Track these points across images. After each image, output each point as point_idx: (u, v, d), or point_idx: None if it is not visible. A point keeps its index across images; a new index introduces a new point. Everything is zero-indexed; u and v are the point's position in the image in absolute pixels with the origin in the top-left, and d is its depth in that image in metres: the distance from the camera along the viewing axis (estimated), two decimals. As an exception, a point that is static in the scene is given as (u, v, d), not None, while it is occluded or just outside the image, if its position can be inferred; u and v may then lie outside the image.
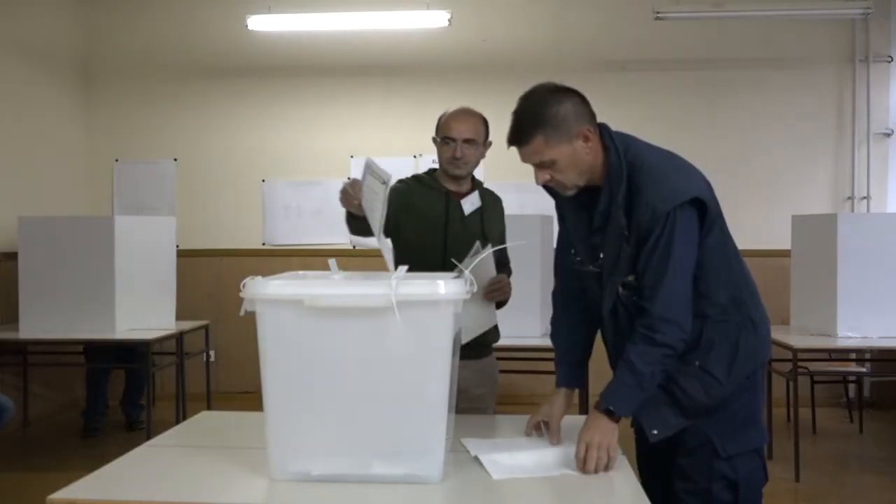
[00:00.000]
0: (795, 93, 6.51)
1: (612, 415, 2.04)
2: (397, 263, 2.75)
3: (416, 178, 2.92)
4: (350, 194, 2.36)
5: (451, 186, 2.85)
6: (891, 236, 4.84)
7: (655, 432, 2.11)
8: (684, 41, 6.48)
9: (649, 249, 2.03)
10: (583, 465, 1.99)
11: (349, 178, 6.58)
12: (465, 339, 2.56)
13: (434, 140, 2.86)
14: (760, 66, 6.52)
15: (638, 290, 2.08)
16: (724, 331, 2.11)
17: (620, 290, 2.11)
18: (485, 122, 2.84)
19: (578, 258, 2.25)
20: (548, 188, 2.22)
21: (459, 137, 2.77)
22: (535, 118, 2.05)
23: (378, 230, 2.20)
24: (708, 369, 2.10)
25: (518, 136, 2.08)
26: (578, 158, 2.07)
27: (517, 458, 2.04)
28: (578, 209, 2.22)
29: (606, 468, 1.99)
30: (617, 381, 2.07)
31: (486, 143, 2.85)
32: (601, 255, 2.13)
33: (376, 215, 2.18)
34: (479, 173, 2.97)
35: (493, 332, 2.89)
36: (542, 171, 2.10)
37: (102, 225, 5.06)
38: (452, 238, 2.76)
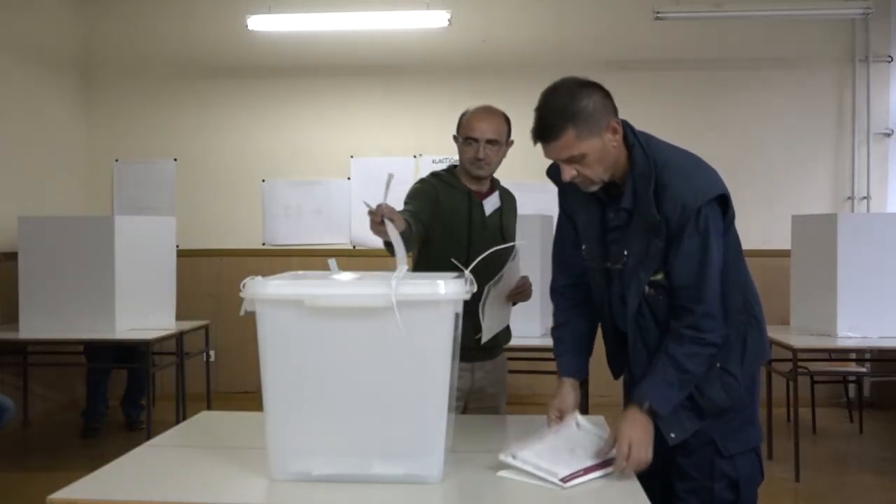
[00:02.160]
0: (795, 92, 6.51)
1: (652, 412, 2.03)
2: (421, 263, 2.75)
3: (437, 176, 2.87)
4: (374, 216, 2.23)
5: (473, 186, 2.83)
6: (891, 236, 4.84)
7: (674, 435, 2.10)
8: (684, 41, 6.48)
9: (685, 248, 2.01)
10: (625, 462, 1.97)
11: (349, 178, 6.63)
12: (484, 339, 2.57)
13: (455, 139, 2.84)
14: (760, 65, 6.52)
15: (667, 289, 2.06)
16: (735, 329, 2.12)
17: (647, 289, 2.09)
18: (507, 121, 2.81)
19: (587, 255, 2.23)
20: (555, 180, 2.20)
21: (482, 138, 2.74)
22: (564, 112, 2.01)
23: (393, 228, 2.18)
24: (728, 369, 2.11)
25: (547, 132, 2.03)
26: (606, 152, 2.05)
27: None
28: (590, 205, 2.20)
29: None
30: (660, 379, 2.04)
31: (509, 143, 2.83)
32: (625, 253, 2.10)
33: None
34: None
35: (506, 333, 2.89)
36: (570, 166, 2.06)
37: (102, 225, 5.06)
38: (476, 239, 2.74)
